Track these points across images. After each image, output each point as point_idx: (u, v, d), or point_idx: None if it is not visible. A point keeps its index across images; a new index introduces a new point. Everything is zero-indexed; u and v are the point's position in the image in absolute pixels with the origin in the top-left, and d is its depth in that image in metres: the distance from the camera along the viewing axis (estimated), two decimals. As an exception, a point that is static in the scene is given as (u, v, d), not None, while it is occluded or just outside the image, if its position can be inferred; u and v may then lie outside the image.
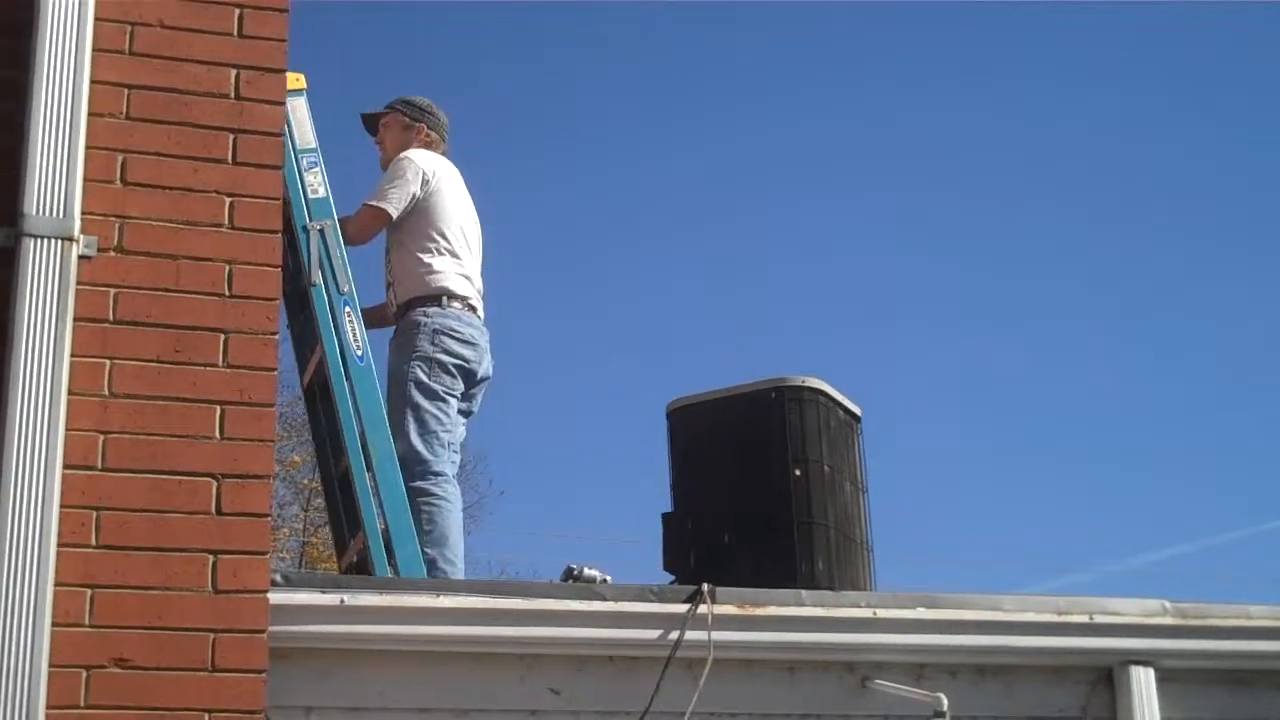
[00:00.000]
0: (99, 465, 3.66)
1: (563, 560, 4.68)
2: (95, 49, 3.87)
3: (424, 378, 5.56)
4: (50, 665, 3.44)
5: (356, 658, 4.02)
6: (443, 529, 5.36)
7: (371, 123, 6.17)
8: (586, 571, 4.59)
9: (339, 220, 5.47)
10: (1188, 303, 35.72)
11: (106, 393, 3.71)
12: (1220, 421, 36.49)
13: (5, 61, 3.85)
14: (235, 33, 4.05)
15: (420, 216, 5.80)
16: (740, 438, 5.60)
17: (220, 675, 3.59)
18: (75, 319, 3.67)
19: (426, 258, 5.75)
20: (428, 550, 5.23)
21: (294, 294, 5.20)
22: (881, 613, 4.39)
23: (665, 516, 5.69)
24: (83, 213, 3.75)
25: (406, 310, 5.72)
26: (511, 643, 4.12)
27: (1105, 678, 4.55)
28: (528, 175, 33.91)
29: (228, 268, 3.87)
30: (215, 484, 3.71)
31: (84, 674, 3.51)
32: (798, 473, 5.45)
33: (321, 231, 5.20)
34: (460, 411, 5.69)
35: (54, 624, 3.46)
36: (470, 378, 5.71)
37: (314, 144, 5.29)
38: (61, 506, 3.55)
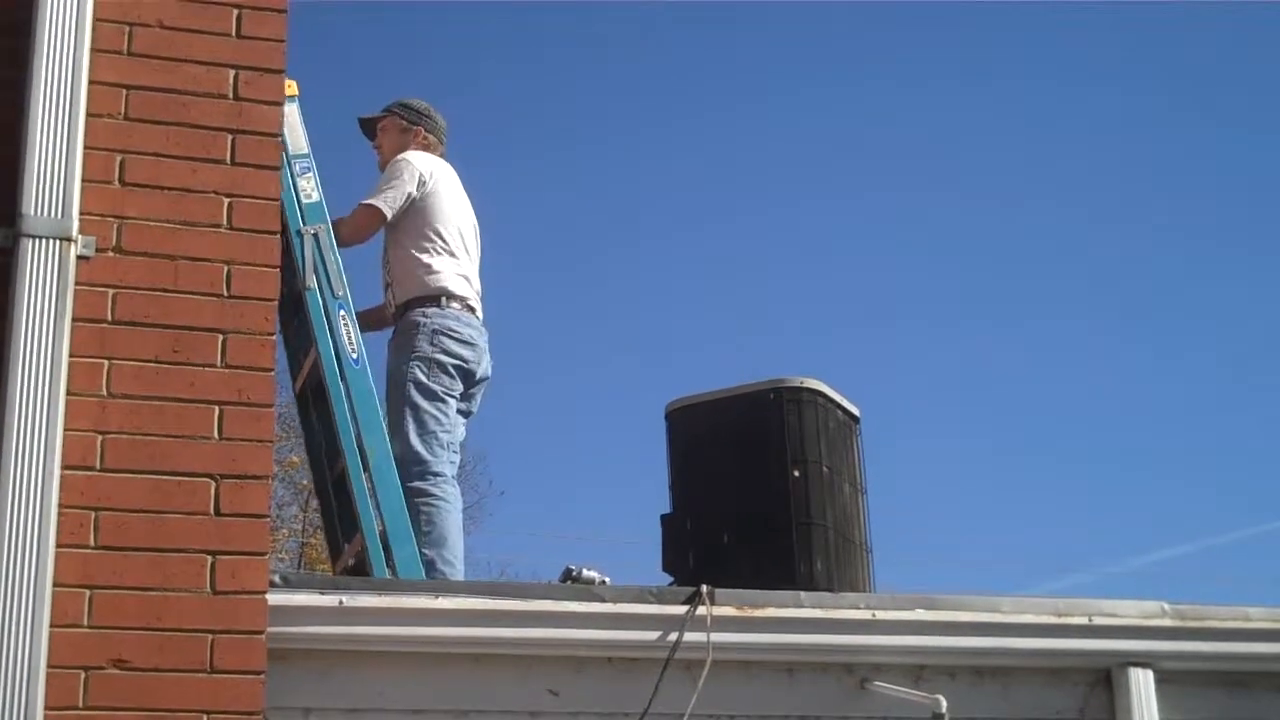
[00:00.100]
0: (97, 466, 3.65)
1: (562, 561, 4.69)
2: (94, 49, 3.87)
3: (423, 378, 5.55)
4: (49, 666, 3.43)
5: (355, 659, 4.02)
6: (442, 530, 5.35)
7: (369, 127, 6.17)
8: (585, 573, 4.59)
9: (334, 221, 5.47)
10: (1188, 303, 35.75)
11: (105, 393, 3.70)
12: (1220, 422, 36.52)
13: (4, 61, 3.85)
14: (234, 33, 4.04)
15: (418, 217, 5.80)
16: (739, 439, 5.61)
17: (219, 676, 3.59)
18: (73, 319, 3.66)
19: (425, 258, 5.75)
20: (426, 551, 5.23)
21: (288, 298, 5.20)
22: (880, 614, 4.39)
23: (664, 517, 5.70)
24: (81, 213, 3.75)
25: (405, 311, 5.72)
26: (510, 644, 4.12)
27: (1104, 679, 4.55)
28: (528, 175, 33.94)
29: (226, 268, 3.87)
30: (214, 484, 3.71)
31: (82, 675, 3.51)
32: (796, 474, 5.46)
33: (315, 236, 5.21)
34: (459, 412, 5.69)
35: (52, 625, 3.46)
36: (469, 378, 5.70)
37: (306, 149, 5.29)
38: (60, 507, 3.55)
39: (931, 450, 34.45)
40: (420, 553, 5.15)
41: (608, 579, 4.55)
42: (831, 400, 5.68)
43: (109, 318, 3.76)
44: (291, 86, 5.26)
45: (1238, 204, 35.49)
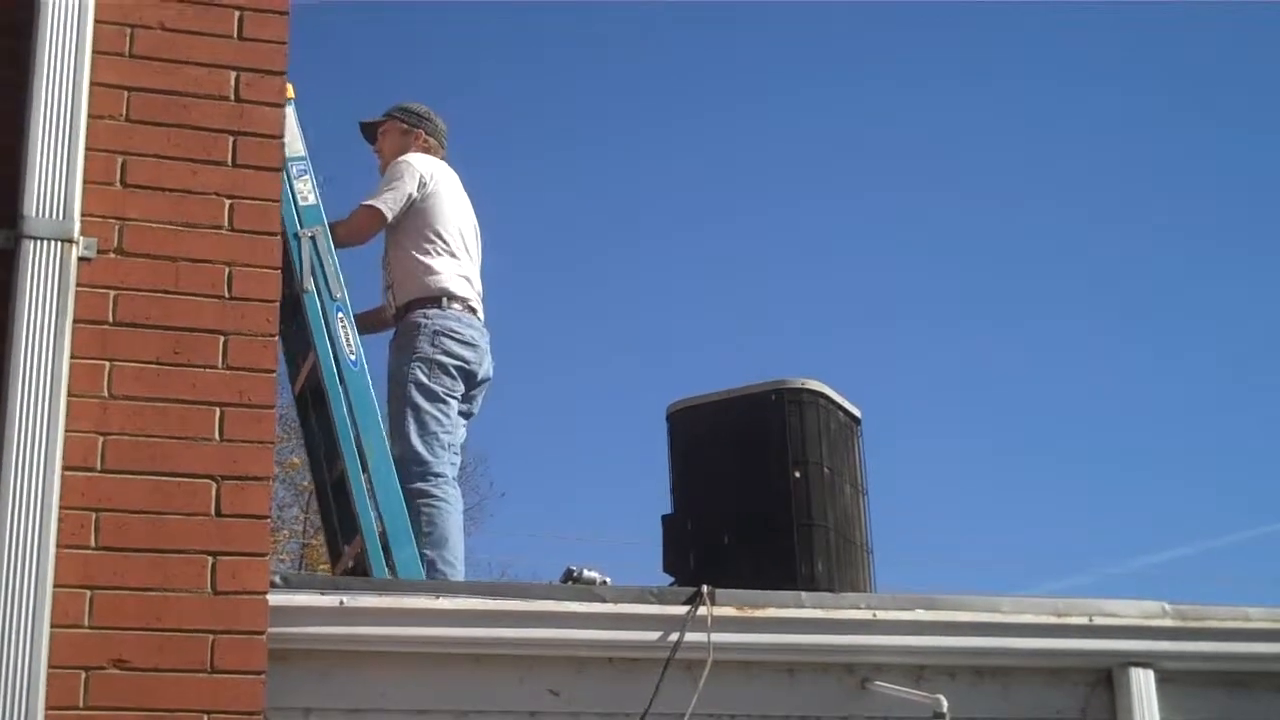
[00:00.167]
0: (98, 467, 3.66)
1: (563, 562, 4.69)
2: (95, 51, 3.87)
3: (424, 379, 5.56)
4: (49, 666, 3.44)
5: (356, 659, 4.02)
6: (442, 530, 5.36)
7: (370, 131, 6.18)
8: (586, 573, 4.59)
9: (334, 222, 5.47)
10: (1188, 303, 35.73)
11: (106, 394, 3.71)
12: (1220, 422, 36.50)
13: (5, 63, 3.85)
14: (235, 35, 4.05)
15: (418, 218, 5.80)
16: (740, 439, 5.61)
17: (219, 676, 3.59)
18: (75, 321, 3.67)
19: (425, 259, 5.75)
20: (427, 552, 5.23)
21: (286, 300, 5.19)
22: (881, 614, 4.39)
23: (665, 518, 5.70)
24: (82, 215, 3.75)
25: (406, 312, 5.72)
26: (511, 644, 4.12)
27: (1104, 679, 4.55)
28: (528, 175, 33.93)
29: (227, 270, 3.88)
30: (215, 485, 3.72)
31: (83, 675, 3.51)
32: (797, 475, 5.46)
33: (313, 238, 5.20)
34: (460, 413, 5.69)
35: (53, 625, 3.47)
36: (470, 379, 5.71)
37: (303, 152, 5.29)
38: (61, 508, 3.55)
39: (931, 450, 34.47)
40: (421, 554, 5.16)
41: (608, 579, 4.55)
42: (832, 401, 5.68)
43: (110, 319, 3.77)
44: (287, 89, 5.26)
45: (1238, 204, 35.50)
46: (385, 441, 5.18)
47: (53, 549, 3.50)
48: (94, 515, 3.62)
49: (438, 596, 4.15)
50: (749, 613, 4.27)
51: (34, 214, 3.69)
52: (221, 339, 3.82)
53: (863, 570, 5.66)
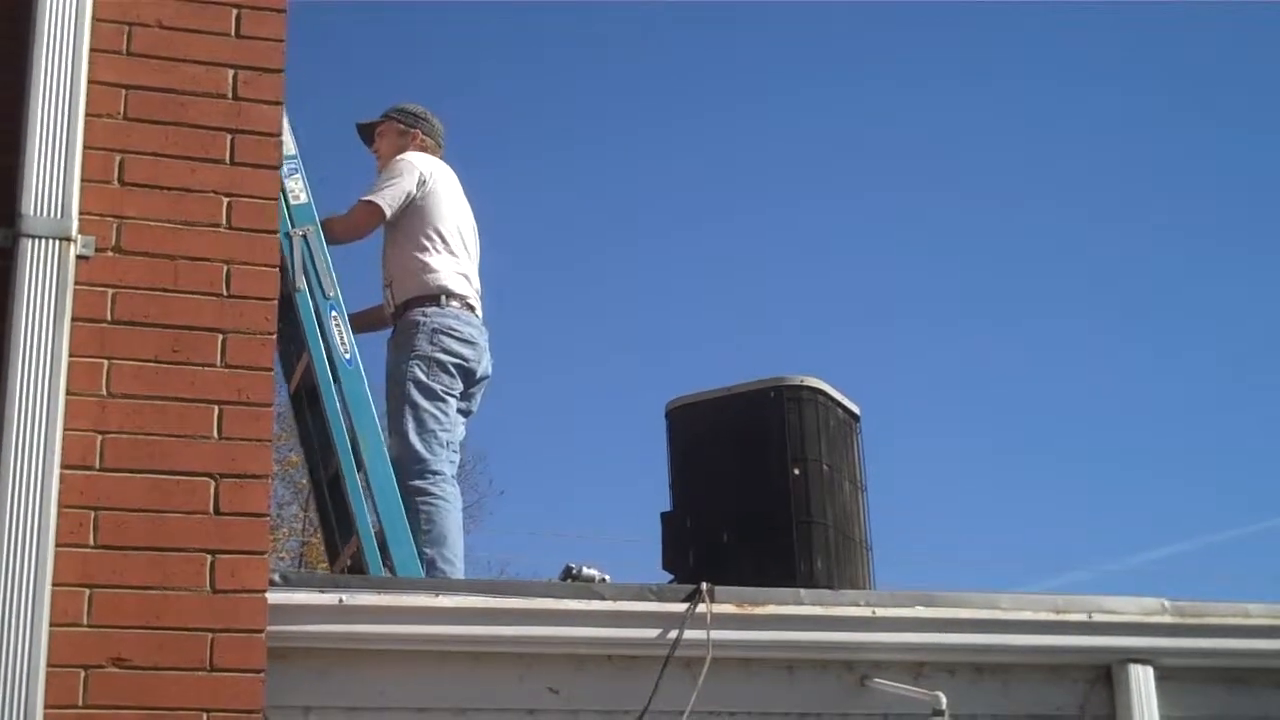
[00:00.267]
0: (97, 465, 3.66)
1: (562, 559, 4.69)
2: (93, 49, 3.87)
3: (423, 377, 5.55)
4: (49, 665, 3.44)
5: (355, 657, 4.02)
6: (441, 528, 5.35)
7: (367, 132, 6.17)
8: (585, 571, 4.59)
9: (332, 217, 5.46)
10: (1188, 302, 35.73)
11: (104, 393, 3.71)
12: (1219, 421, 36.49)
13: (3, 62, 3.85)
14: (233, 33, 4.05)
15: (417, 216, 5.80)
16: (739, 437, 5.61)
17: (218, 675, 3.59)
18: (73, 319, 3.67)
19: (424, 257, 5.74)
20: (426, 550, 5.23)
21: (279, 300, 5.18)
22: (880, 611, 4.39)
23: (664, 516, 5.70)
24: (80, 213, 3.75)
25: (405, 310, 5.72)
26: (510, 642, 4.12)
27: (1104, 676, 4.55)
28: (527, 175, 33.93)
29: (225, 268, 3.88)
30: (213, 484, 3.71)
31: (82, 674, 3.51)
32: (796, 472, 5.46)
33: (305, 237, 5.18)
34: (459, 411, 5.68)
35: (52, 624, 3.47)
36: (469, 377, 5.70)
37: (294, 151, 5.28)
38: (60, 506, 3.55)
39: (931, 449, 34.46)
40: (420, 552, 5.15)
41: (608, 577, 4.55)
42: (831, 398, 5.68)
43: (108, 317, 3.76)
44: None
45: (1238, 204, 35.49)
46: (381, 440, 5.17)
47: (52, 547, 3.50)
48: (93, 514, 3.62)
49: (437, 594, 4.15)
50: (748, 610, 4.27)
51: (32, 212, 3.69)
52: (220, 337, 3.82)
53: (862, 567, 5.66)
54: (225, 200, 3.93)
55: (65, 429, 3.59)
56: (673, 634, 4.17)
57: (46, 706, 3.42)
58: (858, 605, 4.42)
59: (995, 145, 36.06)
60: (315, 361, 5.10)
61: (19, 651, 3.41)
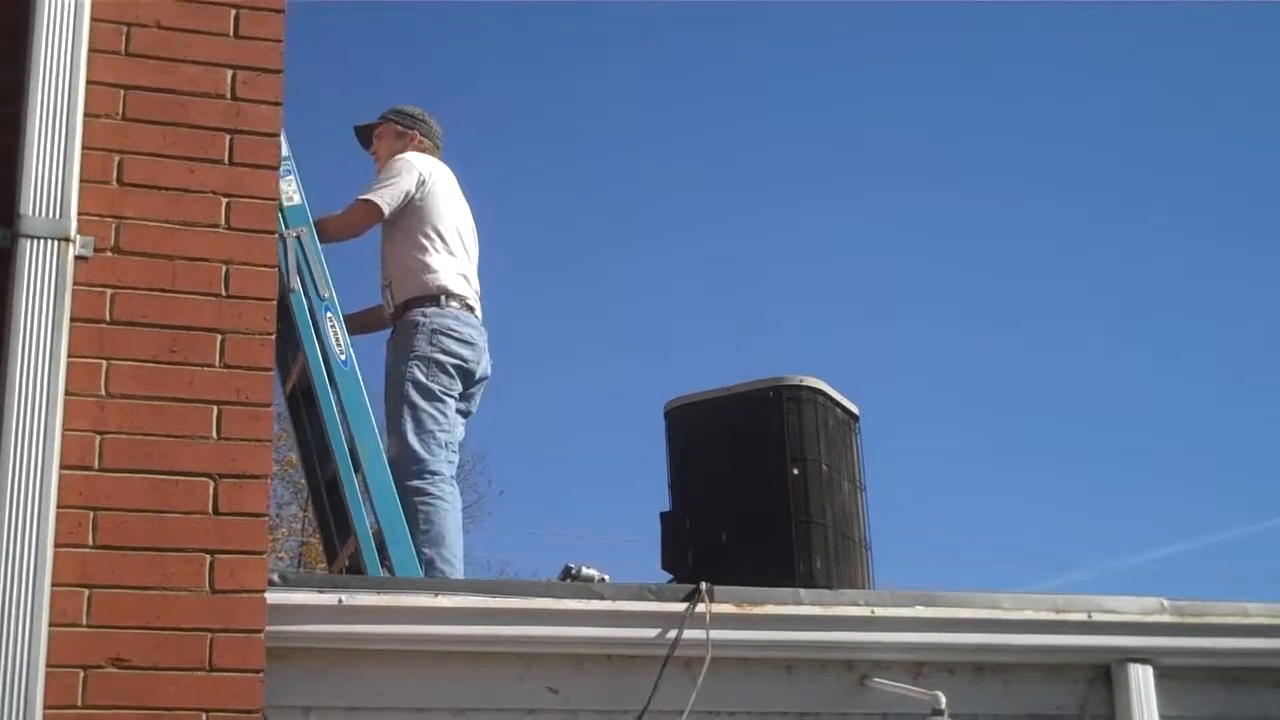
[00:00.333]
0: (96, 465, 3.66)
1: (562, 559, 4.69)
2: (91, 50, 3.87)
3: (422, 377, 5.55)
4: (48, 665, 3.44)
5: (354, 657, 4.02)
6: (440, 528, 5.35)
7: (365, 135, 6.16)
8: (584, 570, 4.59)
9: (329, 215, 5.46)
10: (1187, 302, 35.72)
11: (103, 393, 3.71)
12: (1219, 420, 36.47)
13: (2, 62, 3.85)
14: (231, 33, 4.05)
15: (416, 216, 5.79)
16: (738, 437, 5.60)
17: (218, 675, 3.59)
18: (72, 320, 3.67)
19: (423, 257, 5.74)
20: (425, 550, 5.23)
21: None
22: (880, 611, 4.39)
23: (663, 515, 5.69)
24: (79, 213, 3.75)
25: (404, 310, 5.72)
26: (509, 642, 4.12)
27: (1103, 675, 4.55)
28: (527, 175, 33.92)
29: (224, 268, 3.88)
30: (212, 484, 3.71)
31: (81, 674, 3.51)
32: (796, 471, 5.45)
33: (299, 238, 5.17)
34: (459, 411, 5.68)
35: (51, 624, 3.46)
36: (469, 377, 5.70)
37: (286, 151, 5.28)
38: (59, 507, 3.55)
39: (931, 449, 34.44)
40: (419, 552, 5.15)
41: (607, 577, 4.55)
42: (831, 398, 5.68)
43: (107, 318, 3.76)
44: None
45: (1237, 204, 35.48)
46: (379, 441, 5.16)
47: (51, 548, 3.50)
48: (92, 514, 3.62)
49: (436, 594, 4.15)
50: (747, 610, 4.27)
51: (30, 213, 3.69)
52: (219, 337, 3.82)
53: (861, 567, 5.65)
54: (224, 200, 3.93)
55: (64, 429, 3.59)
56: (672, 634, 4.17)
57: (46, 706, 3.42)
58: (857, 605, 4.42)
59: (995, 145, 36.08)
60: (311, 363, 5.09)
61: (18, 651, 3.41)
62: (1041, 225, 35.23)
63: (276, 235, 4.00)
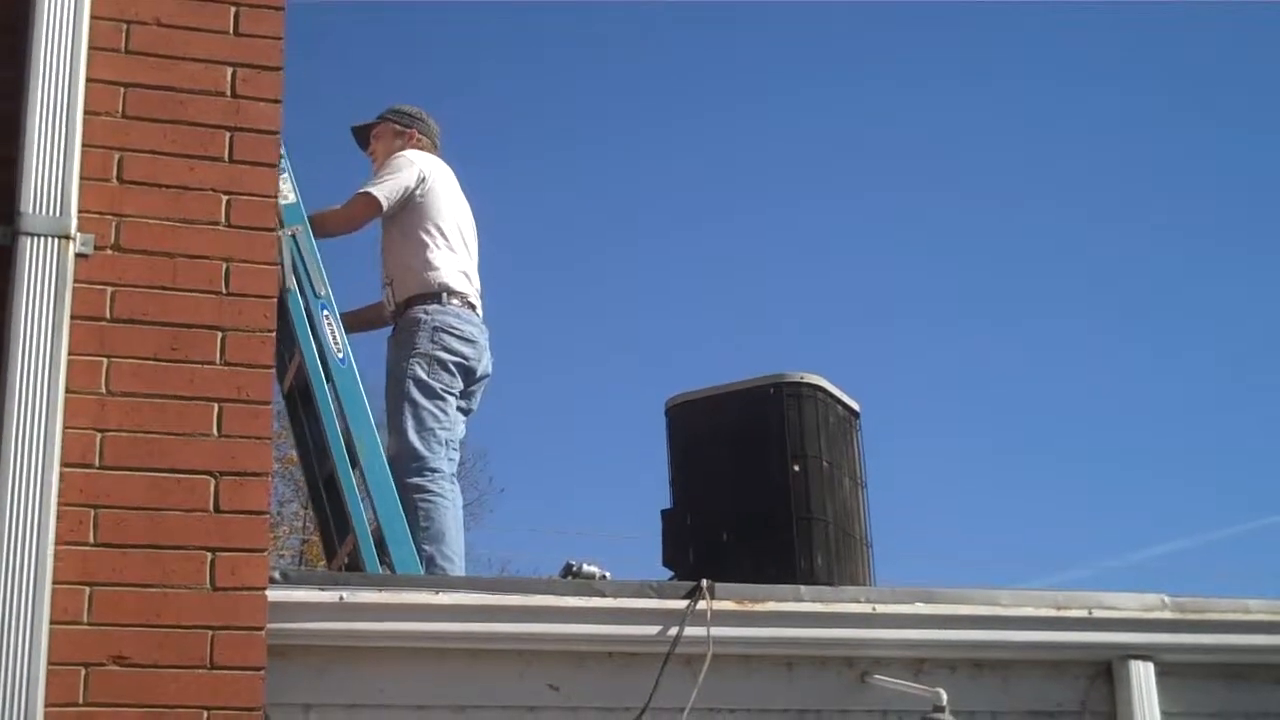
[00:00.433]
0: (97, 463, 3.66)
1: (563, 557, 4.69)
2: (91, 47, 3.87)
3: (423, 375, 5.55)
4: (49, 663, 3.44)
5: (355, 655, 4.02)
6: (440, 525, 5.35)
7: (362, 135, 6.15)
8: (586, 568, 4.58)
9: (329, 209, 5.45)
10: (1187, 302, 35.76)
11: (104, 391, 3.71)
12: (1219, 420, 36.53)
13: (2, 60, 3.85)
14: (231, 31, 4.04)
15: (417, 213, 5.79)
16: (739, 434, 5.60)
17: (219, 672, 3.59)
18: (72, 317, 3.66)
19: (424, 254, 5.73)
20: (426, 547, 5.22)
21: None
22: (880, 608, 4.39)
23: (664, 513, 5.69)
24: (79, 211, 3.75)
25: (406, 308, 5.71)
26: (510, 639, 4.12)
27: (1104, 672, 4.55)
28: (527, 175, 33.96)
29: (224, 265, 3.87)
30: (213, 481, 3.71)
31: (83, 671, 3.51)
32: (796, 468, 5.45)
33: (294, 237, 5.16)
34: (460, 409, 5.68)
35: (52, 622, 3.46)
36: (470, 375, 5.70)
37: (281, 150, 5.27)
38: (59, 505, 3.55)
39: (931, 449, 34.51)
40: (419, 549, 5.15)
41: (608, 574, 4.54)
42: (831, 395, 5.67)
43: (108, 315, 3.76)
44: None
45: (1237, 204, 35.52)
46: (377, 439, 5.15)
47: (51, 546, 3.49)
48: (93, 512, 3.62)
49: (437, 591, 4.15)
50: (748, 607, 4.27)
51: (31, 210, 3.69)
52: (219, 335, 3.82)
53: (862, 564, 5.65)
54: (224, 198, 3.92)
55: (65, 427, 3.59)
56: (673, 631, 4.16)
57: (47, 704, 3.42)
58: (858, 602, 4.42)
59: (995, 145, 36.11)
60: (307, 362, 5.08)
61: (19, 650, 3.41)
62: (1041, 225, 35.28)
63: (277, 232, 3.99)
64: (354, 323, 5.71)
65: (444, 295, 5.69)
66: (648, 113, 36.14)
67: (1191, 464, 37.71)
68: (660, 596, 4.25)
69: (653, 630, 4.18)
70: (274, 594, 3.77)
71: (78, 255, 3.72)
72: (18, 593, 3.44)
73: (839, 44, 35.62)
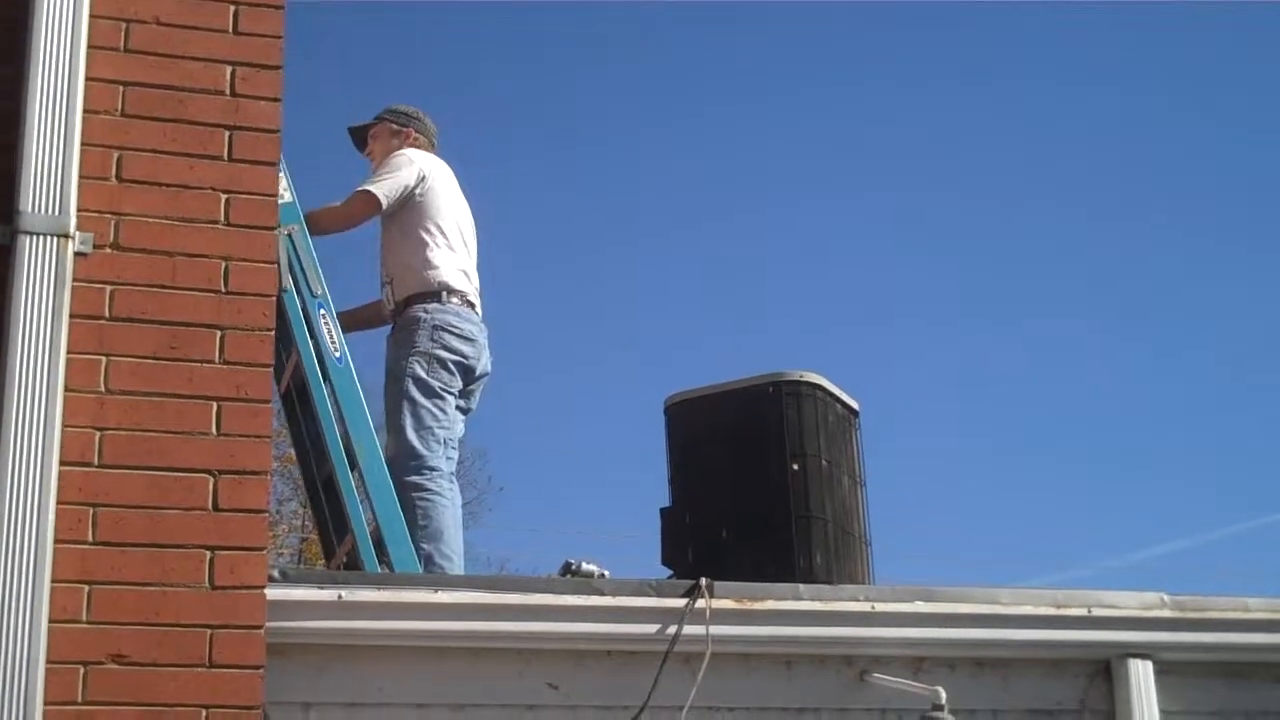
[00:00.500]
0: (96, 462, 3.66)
1: (562, 555, 4.69)
2: (90, 46, 3.87)
3: (422, 374, 5.54)
4: (48, 661, 3.44)
5: (354, 653, 4.02)
6: (438, 524, 5.35)
7: (359, 136, 6.14)
8: (585, 566, 4.58)
9: (327, 206, 5.44)
10: (1187, 302, 35.78)
11: (103, 389, 3.71)
12: (1219, 420, 36.55)
13: (1, 58, 3.85)
14: (231, 29, 4.04)
15: (416, 212, 5.78)
16: (738, 432, 5.60)
17: (218, 671, 3.59)
18: (71, 316, 3.67)
19: (424, 253, 5.73)
20: (424, 546, 5.22)
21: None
22: (879, 606, 4.39)
23: (663, 511, 5.69)
24: (78, 210, 3.75)
25: (405, 306, 5.71)
26: (509, 637, 4.12)
27: (1103, 670, 4.55)
28: (528, 175, 33.97)
29: (224, 264, 3.87)
30: (212, 480, 3.71)
31: (82, 670, 3.51)
32: (795, 467, 5.45)
33: (290, 236, 5.16)
34: (459, 408, 5.67)
35: (51, 620, 3.47)
36: (469, 374, 5.69)
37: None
38: (58, 503, 3.55)
39: (931, 448, 34.53)
40: (418, 547, 5.14)
41: (607, 573, 4.54)
42: (830, 394, 5.67)
43: (107, 314, 3.76)
44: None
45: (1237, 204, 35.54)
46: (375, 438, 5.14)
47: (50, 544, 3.50)
48: (91, 510, 3.62)
49: (436, 590, 4.15)
50: (747, 605, 4.27)
51: (30, 209, 3.69)
52: (218, 334, 3.82)
53: (861, 563, 5.65)
54: (223, 197, 3.92)
55: (64, 425, 3.59)
56: (672, 629, 4.17)
57: (46, 703, 3.42)
58: (857, 600, 4.42)
59: (995, 145, 36.13)
60: (304, 360, 5.07)
61: (18, 648, 3.41)
62: (1041, 225, 35.29)
63: (276, 231, 3.99)
64: (352, 322, 5.71)
65: (443, 294, 5.69)
66: (648, 113, 36.20)
67: (1191, 464, 37.76)
68: (659, 595, 4.25)
69: (652, 629, 4.19)
70: (273, 592, 3.77)
71: (77, 254, 3.72)
72: (17, 591, 3.44)
73: (839, 44, 35.66)
